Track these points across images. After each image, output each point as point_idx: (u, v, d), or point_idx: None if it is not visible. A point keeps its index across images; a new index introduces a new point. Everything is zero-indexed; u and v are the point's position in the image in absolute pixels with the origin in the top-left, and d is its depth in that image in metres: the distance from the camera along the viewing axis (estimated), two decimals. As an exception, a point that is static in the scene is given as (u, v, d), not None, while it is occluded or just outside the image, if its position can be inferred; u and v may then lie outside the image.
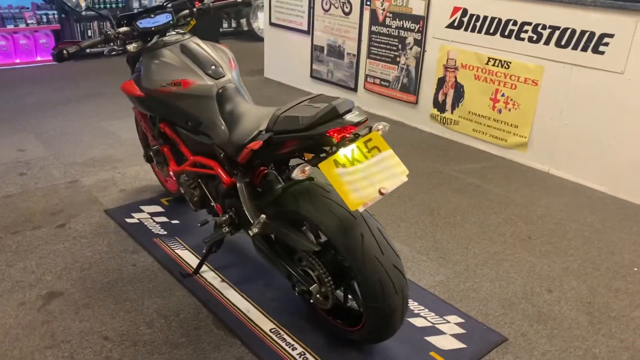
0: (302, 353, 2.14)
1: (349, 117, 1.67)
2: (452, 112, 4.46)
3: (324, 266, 1.99)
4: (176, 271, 2.61)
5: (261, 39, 6.98)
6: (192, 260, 2.71)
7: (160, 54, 2.39)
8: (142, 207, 3.23)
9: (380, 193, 1.72)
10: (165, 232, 2.96)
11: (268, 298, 2.45)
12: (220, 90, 2.24)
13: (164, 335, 2.22)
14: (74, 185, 3.52)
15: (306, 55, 5.66)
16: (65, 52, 2.21)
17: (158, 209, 3.23)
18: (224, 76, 2.28)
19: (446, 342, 2.21)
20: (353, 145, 1.74)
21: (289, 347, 2.16)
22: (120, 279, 2.57)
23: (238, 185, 2.16)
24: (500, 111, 4.12)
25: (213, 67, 2.30)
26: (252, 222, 2.06)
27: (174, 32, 2.54)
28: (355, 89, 5.18)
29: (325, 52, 5.42)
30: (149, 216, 3.13)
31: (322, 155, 1.78)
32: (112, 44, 2.40)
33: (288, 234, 2.01)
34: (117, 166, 3.82)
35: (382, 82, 4.92)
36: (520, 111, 4.00)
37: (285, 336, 2.22)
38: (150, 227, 3.00)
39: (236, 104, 2.22)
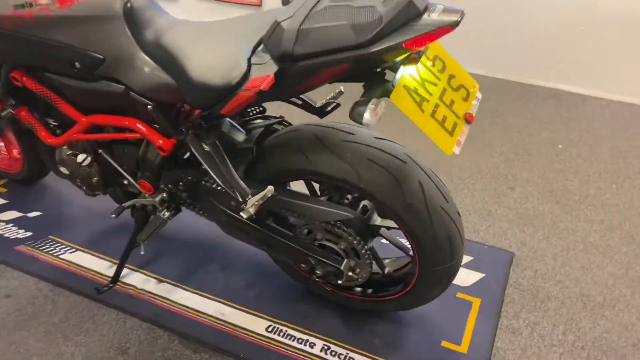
0: (326, 347, 1.63)
1: (433, 16, 1.08)
2: (306, 11, 3.92)
3: (355, 234, 1.46)
4: (84, 286, 1.79)
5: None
6: (95, 263, 1.89)
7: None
8: (-31, 205, 2.16)
9: (468, 121, 1.23)
10: (30, 233, 2.01)
11: (237, 288, 1.82)
12: (128, 4, 1.39)
13: (125, 389, 1.49)
14: None
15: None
16: None
17: (-4, 201, 2.20)
18: (125, -21, 1.42)
19: (465, 277, 1.90)
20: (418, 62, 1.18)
21: (305, 345, 1.63)
22: (1, 323, 1.66)
23: (197, 150, 1.43)
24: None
25: (104, -34, 1.41)
26: (239, 199, 1.39)
27: None
28: (176, -3, 4.25)
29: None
30: (-12, 215, 2.11)
31: (378, 82, 1.19)
32: None
33: (305, 204, 1.40)
34: None
35: (212, -15, 4.09)
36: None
37: (292, 332, 1.67)
38: (0, 232, 2.01)
39: (160, 21, 1.41)
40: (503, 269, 1.96)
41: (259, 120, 1.63)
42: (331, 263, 1.47)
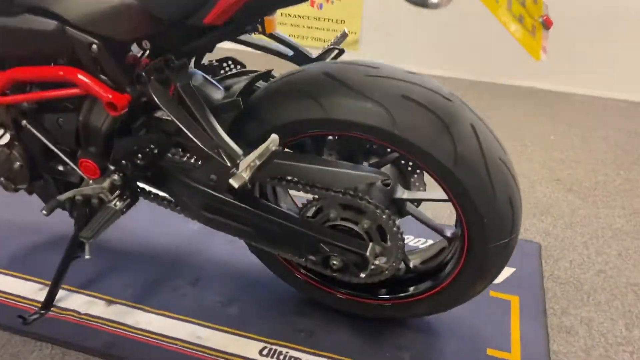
0: (343, 369, 1.23)
1: None
2: (258, 18, 3.62)
3: (383, 205, 1.09)
4: (4, 317, 1.32)
5: None
6: (18, 287, 1.42)
7: None
8: None
9: (546, 26, 0.91)
10: None
11: (215, 305, 1.40)
12: None
13: None
14: None
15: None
16: None
17: None
18: None
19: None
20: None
21: (315, 369, 1.22)
22: None
23: (163, 101, 1.04)
24: (321, 6, 3.47)
25: None
26: (228, 163, 1.00)
27: None
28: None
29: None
30: None
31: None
32: None
33: (319, 168, 1.04)
34: None
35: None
36: (345, 3, 3.41)
37: (296, 353, 1.26)
38: None
39: None
40: (534, 261, 1.64)
41: (235, 79, 1.26)
42: (353, 248, 1.09)
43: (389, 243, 1.13)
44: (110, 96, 1.06)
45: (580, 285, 1.55)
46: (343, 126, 1.02)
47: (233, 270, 1.51)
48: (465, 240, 1.10)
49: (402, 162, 1.22)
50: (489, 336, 1.34)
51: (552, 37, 2.70)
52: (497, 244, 1.08)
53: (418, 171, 1.23)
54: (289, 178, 1.07)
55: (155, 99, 1.04)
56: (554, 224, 1.85)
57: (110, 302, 1.38)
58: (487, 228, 1.05)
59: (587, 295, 1.51)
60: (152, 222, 1.68)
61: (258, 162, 0.97)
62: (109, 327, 1.30)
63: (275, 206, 1.14)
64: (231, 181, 0.99)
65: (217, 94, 1.17)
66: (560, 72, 3.17)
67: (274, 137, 0.95)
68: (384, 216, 1.08)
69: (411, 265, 1.30)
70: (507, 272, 1.57)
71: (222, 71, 1.34)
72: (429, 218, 1.24)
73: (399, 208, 1.20)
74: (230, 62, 1.33)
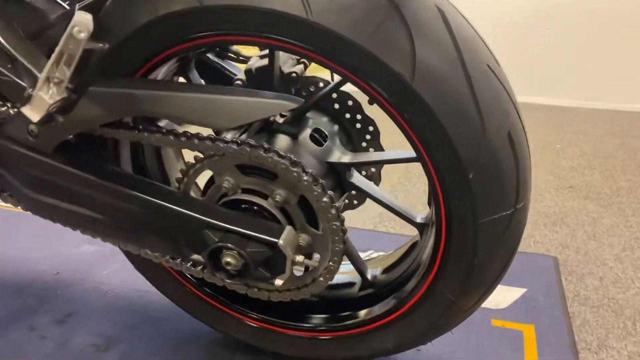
0: None
1: None
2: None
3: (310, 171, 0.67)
4: None
5: None
6: None
7: None
8: None
9: None
10: None
11: (86, 348, 0.95)
12: None
13: None
14: None
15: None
16: None
17: None
18: None
19: (502, 297, 1.12)
20: None
21: None
22: None
23: None
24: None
25: None
26: (24, 84, 0.59)
27: None
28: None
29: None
30: None
31: None
32: None
33: (203, 97, 0.63)
34: None
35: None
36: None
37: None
38: None
39: None
40: (550, 279, 1.19)
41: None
42: (256, 233, 0.65)
43: (320, 230, 0.70)
44: None
45: (619, 308, 1.10)
46: (229, 21, 0.61)
47: (125, 303, 1.07)
48: (443, 217, 0.67)
49: (347, 115, 0.81)
50: (494, 383, 0.88)
51: (546, 52, 2.34)
52: (493, 217, 0.65)
53: (371, 128, 0.81)
54: (146, 128, 0.66)
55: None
56: (572, 235, 1.42)
57: None
58: (474, 188, 0.62)
59: (632, 322, 1.06)
60: (32, 245, 1.25)
61: (68, 71, 0.55)
62: None
63: (133, 174, 0.72)
64: (25, 110, 0.57)
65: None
66: (554, 85, 2.82)
67: (80, 15, 0.53)
68: (305, 177, 0.65)
69: (369, 275, 0.85)
70: (515, 293, 1.13)
71: None
72: (391, 199, 0.80)
73: (340, 180, 0.77)
74: None
